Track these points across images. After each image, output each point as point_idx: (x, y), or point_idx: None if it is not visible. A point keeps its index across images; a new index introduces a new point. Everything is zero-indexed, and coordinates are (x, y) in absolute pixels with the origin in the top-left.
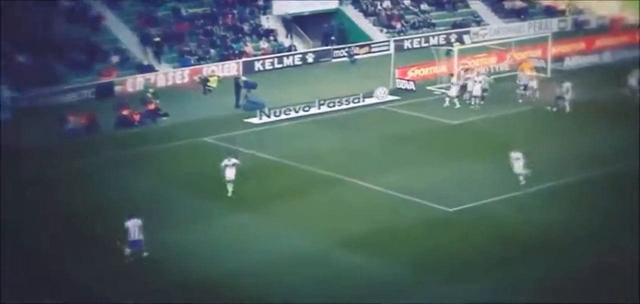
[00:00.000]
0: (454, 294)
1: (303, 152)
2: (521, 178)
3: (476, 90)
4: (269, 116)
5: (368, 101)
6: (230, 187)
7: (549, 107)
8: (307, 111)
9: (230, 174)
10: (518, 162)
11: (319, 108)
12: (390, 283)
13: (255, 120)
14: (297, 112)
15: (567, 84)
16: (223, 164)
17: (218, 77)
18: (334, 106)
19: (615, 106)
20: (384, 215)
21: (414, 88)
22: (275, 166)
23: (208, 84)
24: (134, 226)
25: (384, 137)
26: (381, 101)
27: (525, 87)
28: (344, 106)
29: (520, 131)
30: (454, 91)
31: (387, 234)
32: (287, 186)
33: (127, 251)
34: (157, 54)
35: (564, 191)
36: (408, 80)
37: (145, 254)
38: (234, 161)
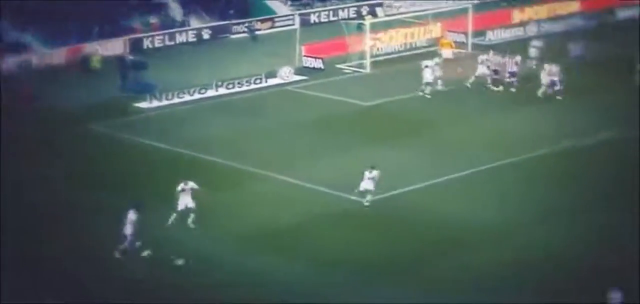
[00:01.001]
0: (369, 295)
1: (198, 140)
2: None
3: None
4: (160, 100)
5: (271, 81)
6: (189, 219)
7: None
8: (203, 93)
9: (185, 201)
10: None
11: (217, 90)
12: (297, 284)
13: (144, 104)
14: (191, 95)
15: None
16: (179, 188)
17: (101, 56)
18: (233, 87)
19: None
20: (290, 209)
21: (322, 66)
22: (167, 155)
23: (90, 64)
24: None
25: (289, 122)
26: (286, 81)
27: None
28: (244, 88)
29: (441, 111)
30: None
31: (294, 230)
32: (180, 177)
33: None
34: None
35: (484, 178)
36: (315, 58)
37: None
38: (191, 184)
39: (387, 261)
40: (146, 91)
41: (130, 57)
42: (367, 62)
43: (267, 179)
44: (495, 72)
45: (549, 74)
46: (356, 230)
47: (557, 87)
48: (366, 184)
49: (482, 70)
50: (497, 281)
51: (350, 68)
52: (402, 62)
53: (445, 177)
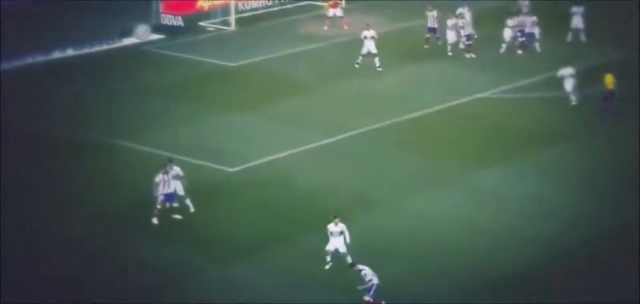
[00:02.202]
0: (240, 274)
1: (45, 109)
2: None
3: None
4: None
5: (126, 41)
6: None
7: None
8: (48, 56)
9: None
10: None
11: (63, 53)
12: (159, 265)
13: None
14: (33, 58)
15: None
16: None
17: None
18: (82, 49)
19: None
20: (150, 182)
21: (182, 24)
22: (12, 127)
23: None
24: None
25: (147, 86)
26: (142, 41)
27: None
28: (95, 49)
29: (313, 73)
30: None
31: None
32: (30, 151)
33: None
34: None
35: (355, 144)
36: (175, 14)
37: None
38: (176, 170)
39: (246, 237)
40: None
41: None
42: (232, 18)
43: (119, 149)
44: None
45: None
46: (222, 202)
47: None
48: (335, 244)
49: (451, 36)
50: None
51: (214, 26)
52: (271, 18)
53: (316, 144)
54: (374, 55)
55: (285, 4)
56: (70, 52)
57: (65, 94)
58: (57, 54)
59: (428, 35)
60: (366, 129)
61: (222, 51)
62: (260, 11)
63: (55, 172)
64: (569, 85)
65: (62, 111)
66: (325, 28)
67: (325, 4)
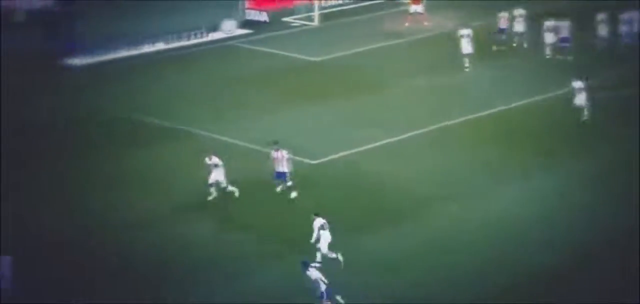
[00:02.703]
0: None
1: (134, 99)
2: None
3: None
4: (93, 56)
5: (213, 35)
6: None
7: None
8: (139, 49)
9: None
10: None
11: (154, 45)
12: (239, 252)
13: (76, 61)
14: (127, 50)
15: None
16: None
17: (26, 10)
18: (171, 42)
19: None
20: (236, 171)
21: (267, 20)
22: (100, 114)
23: (13, 19)
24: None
25: (233, 79)
26: (229, 35)
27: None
28: (184, 43)
29: (394, 67)
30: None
31: (239, 193)
32: (114, 139)
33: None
34: None
35: (435, 139)
36: (260, 10)
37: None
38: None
39: (335, 224)
40: (76, 46)
41: (57, 9)
42: (316, 14)
43: (207, 139)
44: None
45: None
46: (303, 193)
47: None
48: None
49: (549, 38)
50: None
51: (298, 21)
52: (353, 15)
53: (396, 138)
54: (468, 54)
55: (367, 0)
56: (160, 45)
57: (154, 85)
58: (147, 48)
59: (498, 36)
60: (444, 124)
61: (305, 46)
62: (344, 7)
63: (144, 159)
64: (581, 99)
65: (152, 102)
66: (407, 24)
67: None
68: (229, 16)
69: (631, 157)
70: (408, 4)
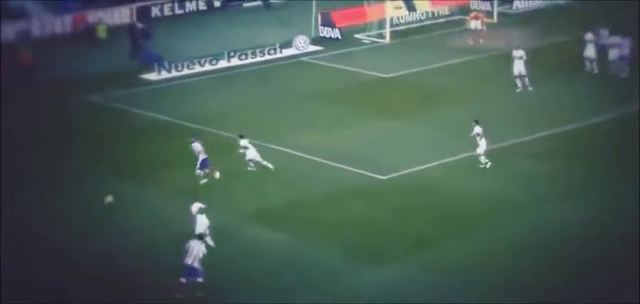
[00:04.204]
0: (386, 276)
1: (209, 113)
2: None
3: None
4: (169, 71)
5: (286, 52)
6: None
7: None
8: (214, 64)
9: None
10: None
11: (229, 61)
12: (311, 262)
13: (152, 76)
14: (202, 65)
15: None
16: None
17: (107, 25)
18: (246, 58)
19: (570, 59)
20: (306, 184)
21: (339, 37)
22: (177, 129)
23: (95, 33)
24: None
25: (305, 94)
26: (301, 52)
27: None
28: (257, 59)
29: (463, 85)
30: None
31: (309, 207)
32: (191, 153)
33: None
34: None
35: (510, 156)
36: (333, 27)
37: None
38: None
39: (400, 240)
40: (154, 61)
41: (140, 25)
42: (387, 31)
43: (280, 154)
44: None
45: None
46: (370, 208)
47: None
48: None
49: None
50: (511, 265)
51: (369, 38)
52: (423, 32)
53: (466, 154)
54: (524, 76)
55: (437, 18)
56: (235, 61)
57: (228, 100)
58: (222, 63)
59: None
60: (513, 141)
61: (376, 62)
62: (415, 25)
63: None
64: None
65: (226, 117)
66: (471, 42)
67: (467, 17)
68: (301, 32)
69: None
70: (467, 21)
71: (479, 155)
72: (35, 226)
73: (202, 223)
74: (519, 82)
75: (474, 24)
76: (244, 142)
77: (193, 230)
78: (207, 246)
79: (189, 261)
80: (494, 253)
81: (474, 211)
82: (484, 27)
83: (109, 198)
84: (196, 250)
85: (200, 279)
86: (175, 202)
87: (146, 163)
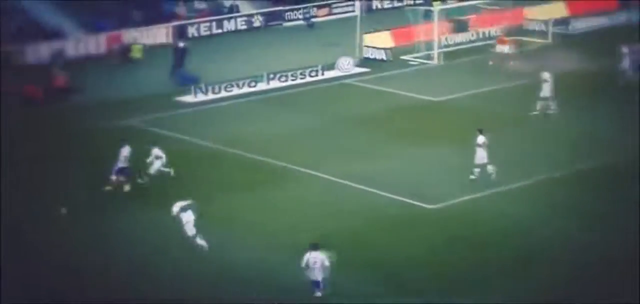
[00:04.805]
0: None
1: (248, 138)
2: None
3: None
4: (206, 93)
5: (329, 74)
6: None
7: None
8: (253, 86)
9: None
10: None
11: (268, 83)
12: (354, 296)
13: (189, 98)
14: (240, 88)
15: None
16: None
17: (143, 45)
18: (286, 80)
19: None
20: (349, 214)
21: (385, 58)
22: (214, 155)
23: (130, 54)
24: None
25: (348, 119)
26: (345, 73)
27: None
28: (299, 81)
29: (516, 109)
30: None
31: (353, 238)
32: (229, 179)
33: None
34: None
35: (563, 185)
36: (378, 48)
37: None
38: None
39: (446, 274)
40: (191, 83)
41: (182, 45)
42: (436, 53)
43: (322, 181)
44: None
45: None
46: (416, 239)
47: None
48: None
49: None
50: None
51: (417, 60)
52: (475, 53)
53: (520, 183)
54: (549, 98)
55: (489, 39)
56: (275, 83)
57: (267, 124)
58: (261, 86)
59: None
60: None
61: (424, 85)
62: (465, 46)
63: (257, 199)
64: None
65: (264, 141)
66: (490, 63)
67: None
68: (345, 54)
69: None
70: (495, 44)
71: (476, 166)
72: (78, 260)
73: (188, 220)
74: (539, 105)
75: (500, 48)
76: (156, 151)
77: (183, 232)
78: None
79: (318, 276)
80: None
81: (523, 242)
82: (512, 51)
83: (63, 210)
84: (319, 261)
85: (318, 293)
86: (211, 231)
87: (181, 189)
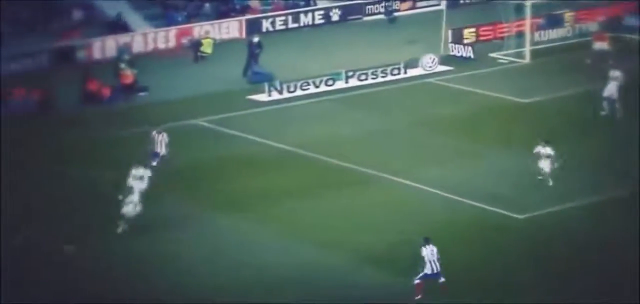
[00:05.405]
0: None
1: (324, 140)
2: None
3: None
4: (280, 92)
5: (411, 72)
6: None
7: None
8: (330, 85)
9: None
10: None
11: (347, 82)
12: None
13: (262, 97)
14: (317, 86)
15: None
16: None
17: (214, 40)
18: (366, 79)
19: None
20: (432, 223)
21: (472, 55)
22: (288, 157)
23: (201, 49)
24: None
25: (432, 120)
26: (429, 72)
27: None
28: (379, 79)
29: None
30: None
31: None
32: (303, 183)
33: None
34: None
35: None
36: (465, 45)
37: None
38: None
39: (534, 287)
40: (265, 80)
41: (256, 40)
42: (527, 50)
43: (404, 187)
44: None
45: None
46: (504, 250)
47: None
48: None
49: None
50: None
51: (507, 57)
52: (569, 51)
53: (614, 194)
54: (614, 100)
55: (585, 36)
56: (354, 81)
57: (344, 125)
58: (340, 84)
59: None
60: None
61: (513, 85)
62: (558, 43)
63: (333, 204)
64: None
65: (339, 143)
66: (588, 61)
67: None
68: (429, 51)
69: None
70: (592, 40)
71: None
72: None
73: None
74: (606, 105)
75: (599, 45)
76: (142, 171)
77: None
78: None
79: (429, 270)
80: None
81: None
82: (610, 49)
83: (70, 247)
84: (430, 253)
85: (442, 279)
86: (289, 241)
87: (253, 194)
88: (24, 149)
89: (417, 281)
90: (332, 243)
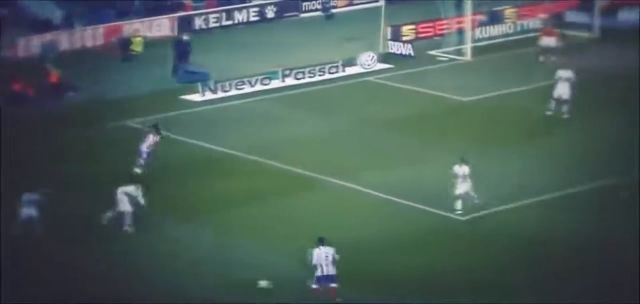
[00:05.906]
0: None
1: (261, 142)
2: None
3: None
4: (214, 91)
5: (350, 70)
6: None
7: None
8: (266, 84)
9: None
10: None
11: (283, 81)
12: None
13: (195, 97)
14: (253, 85)
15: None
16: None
17: (143, 38)
18: (303, 77)
19: None
20: (373, 227)
21: (412, 53)
22: (223, 159)
23: (130, 47)
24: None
25: (371, 120)
26: (368, 70)
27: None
28: (317, 78)
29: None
30: None
31: (377, 253)
32: (240, 187)
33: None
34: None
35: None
36: (404, 42)
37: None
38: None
39: (478, 290)
40: (198, 80)
41: (186, 38)
42: (468, 47)
43: (342, 189)
44: None
45: None
46: (444, 253)
47: None
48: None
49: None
50: None
51: (447, 55)
52: (510, 48)
53: (559, 193)
54: (565, 101)
55: (527, 32)
56: (290, 80)
57: (280, 126)
58: (276, 83)
59: None
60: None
61: (455, 83)
62: (500, 40)
63: (272, 207)
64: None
65: (276, 144)
66: (542, 60)
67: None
68: (368, 49)
69: None
70: (539, 37)
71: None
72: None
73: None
74: (554, 106)
75: (546, 41)
76: (131, 188)
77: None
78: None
79: (332, 270)
80: None
81: (563, 252)
82: (558, 45)
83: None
84: (330, 255)
85: (333, 284)
86: (224, 242)
87: (187, 199)
88: None
89: (314, 286)
90: (283, 250)
